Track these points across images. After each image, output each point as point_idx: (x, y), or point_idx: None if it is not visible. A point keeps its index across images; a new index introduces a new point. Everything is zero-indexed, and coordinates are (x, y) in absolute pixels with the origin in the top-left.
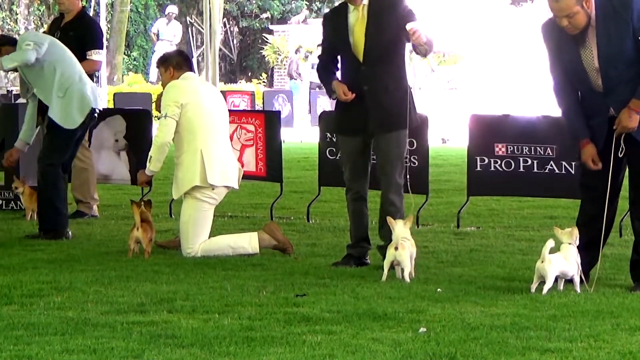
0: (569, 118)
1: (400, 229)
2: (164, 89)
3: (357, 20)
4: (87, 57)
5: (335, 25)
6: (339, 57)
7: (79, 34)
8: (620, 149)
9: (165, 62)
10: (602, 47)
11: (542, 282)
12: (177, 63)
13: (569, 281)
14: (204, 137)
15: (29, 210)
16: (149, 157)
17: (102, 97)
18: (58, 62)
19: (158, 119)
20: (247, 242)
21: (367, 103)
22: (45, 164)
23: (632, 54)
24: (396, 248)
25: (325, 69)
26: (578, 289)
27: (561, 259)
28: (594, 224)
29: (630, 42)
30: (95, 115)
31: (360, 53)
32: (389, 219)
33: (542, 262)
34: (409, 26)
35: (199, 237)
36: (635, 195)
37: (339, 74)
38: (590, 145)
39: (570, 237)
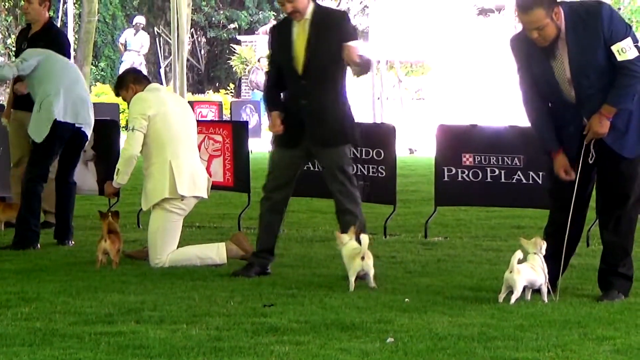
0: (539, 130)
1: (366, 239)
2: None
3: (299, 34)
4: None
5: (279, 38)
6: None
7: (46, 45)
8: (591, 155)
9: (122, 84)
10: (573, 58)
11: (510, 292)
12: (134, 79)
13: (536, 291)
14: (172, 148)
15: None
16: (116, 170)
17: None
18: (44, 77)
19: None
20: (215, 252)
21: (304, 118)
22: (25, 179)
23: (604, 64)
24: (363, 258)
25: (271, 91)
26: (545, 298)
27: (529, 269)
28: (563, 233)
29: (601, 52)
30: (80, 130)
31: (300, 67)
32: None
33: (511, 272)
34: (345, 45)
35: (168, 248)
36: (604, 203)
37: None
38: (562, 155)
39: (535, 247)
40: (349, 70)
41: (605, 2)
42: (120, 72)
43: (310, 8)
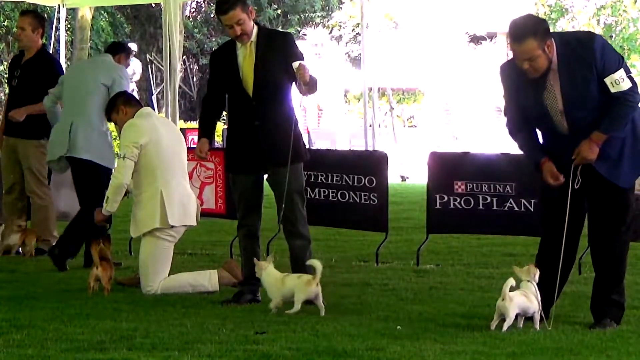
0: (526, 145)
1: (319, 265)
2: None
3: (245, 57)
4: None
5: (224, 62)
6: (225, 95)
7: (40, 71)
8: (577, 181)
9: (112, 106)
10: (566, 90)
11: (502, 320)
12: (124, 101)
13: (529, 319)
14: (163, 176)
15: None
16: (105, 197)
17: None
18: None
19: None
20: (207, 279)
21: (260, 138)
22: None
23: (597, 96)
24: (317, 284)
25: (207, 117)
26: (537, 326)
27: (521, 297)
28: (555, 261)
29: (594, 85)
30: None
31: (250, 88)
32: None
33: (503, 299)
34: (295, 64)
35: (159, 275)
36: (596, 232)
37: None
38: (549, 162)
39: (529, 275)
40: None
41: (597, 34)
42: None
43: (255, 31)
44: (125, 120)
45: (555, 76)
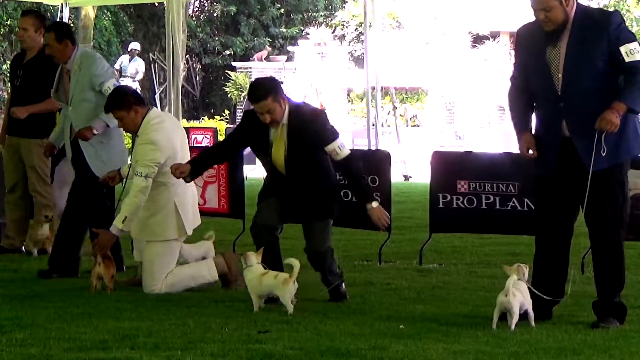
0: (517, 110)
1: (297, 264)
2: (129, 130)
3: (276, 137)
4: (52, 95)
5: (256, 131)
6: (238, 152)
7: (43, 71)
8: (603, 149)
9: (123, 104)
10: (571, 50)
11: (503, 317)
12: (135, 100)
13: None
14: (176, 186)
15: None
16: (121, 214)
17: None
18: None
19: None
20: (206, 270)
21: (291, 195)
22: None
23: (600, 68)
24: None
25: (212, 154)
26: (533, 323)
27: (520, 294)
28: (552, 260)
29: (601, 54)
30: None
31: (281, 168)
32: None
33: (506, 295)
34: (370, 207)
35: (164, 274)
36: (594, 228)
37: None
38: (531, 134)
39: (519, 273)
40: None
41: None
42: None
43: (286, 113)
44: (135, 120)
45: (566, 35)
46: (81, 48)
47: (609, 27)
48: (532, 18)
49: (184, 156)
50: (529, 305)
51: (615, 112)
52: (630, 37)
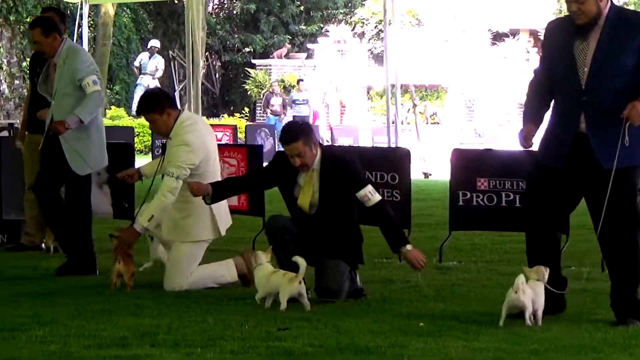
0: (532, 101)
1: (303, 264)
2: (160, 132)
3: (306, 182)
4: (38, 88)
5: (285, 174)
6: (259, 185)
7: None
8: (626, 140)
9: (157, 106)
10: (601, 45)
11: (512, 314)
12: (168, 103)
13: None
14: None
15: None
16: (147, 212)
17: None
18: None
19: (166, 173)
20: (226, 270)
21: (315, 236)
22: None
23: (627, 65)
24: (300, 281)
25: (235, 182)
26: (540, 323)
27: (531, 290)
28: (545, 251)
29: (631, 54)
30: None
31: (307, 211)
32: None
33: (516, 292)
34: (360, 194)
35: (188, 273)
36: (605, 225)
37: None
38: (533, 126)
39: (538, 274)
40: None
41: None
42: (137, 94)
43: (318, 157)
44: (167, 123)
45: (597, 31)
46: (68, 41)
47: None
48: (552, 17)
49: (217, 158)
50: (540, 305)
51: (638, 104)
52: None
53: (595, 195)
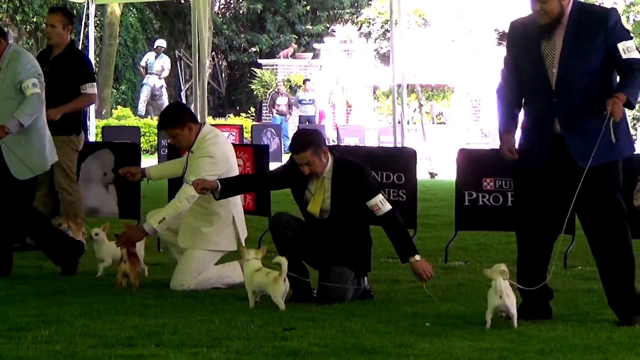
0: (504, 108)
1: (285, 263)
2: (182, 147)
3: (317, 190)
4: (82, 91)
5: (297, 182)
6: (270, 184)
7: (70, 68)
8: (614, 137)
9: (179, 121)
10: (567, 44)
11: (499, 317)
12: (190, 118)
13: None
14: (234, 199)
15: None
16: (159, 216)
17: (90, 131)
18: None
19: (186, 181)
20: (233, 271)
21: (326, 239)
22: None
23: (595, 62)
24: (284, 280)
25: (246, 180)
26: (515, 323)
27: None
28: (535, 256)
29: (597, 51)
30: None
31: (317, 216)
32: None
33: (501, 297)
34: (370, 203)
35: (197, 275)
36: (590, 224)
37: None
38: (510, 136)
39: (503, 274)
40: None
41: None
42: (143, 94)
43: (329, 165)
44: (189, 138)
45: (561, 30)
46: (12, 45)
47: (606, 23)
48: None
49: (237, 170)
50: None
51: (618, 100)
52: (627, 35)
53: (577, 195)
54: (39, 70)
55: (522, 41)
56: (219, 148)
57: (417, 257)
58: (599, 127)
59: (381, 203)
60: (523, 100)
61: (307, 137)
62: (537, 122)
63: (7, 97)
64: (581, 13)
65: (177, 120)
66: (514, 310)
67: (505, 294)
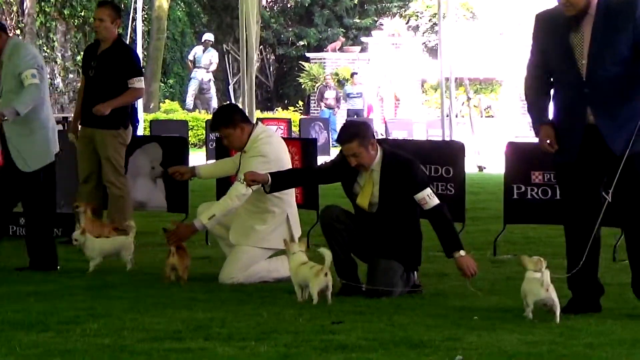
0: (535, 102)
1: (329, 256)
2: (234, 147)
3: (365, 183)
4: (130, 86)
5: (346, 176)
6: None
7: (118, 62)
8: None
9: (229, 121)
10: (596, 34)
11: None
12: (242, 118)
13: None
14: (289, 198)
15: None
16: (209, 213)
17: (138, 125)
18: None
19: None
20: (281, 265)
21: (372, 238)
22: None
23: (625, 52)
24: (326, 274)
25: (298, 173)
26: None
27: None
28: (585, 249)
29: (626, 40)
30: None
31: (366, 209)
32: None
33: (547, 290)
34: (418, 197)
35: (247, 268)
36: (627, 212)
37: None
38: (551, 128)
39: (537, 266)
40: None
41: None
42: (191, 88)
43: (378, 158)
44: (241, 138)
45: (589, 20)
46: (13, 38)
47: (635, 13)
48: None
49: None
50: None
51: None
52: None
53: (612, 183)
54: (39, 62)
55: (549, 33)
56: (271, 147)
57: (462, 252)
58: (631, 114)
59: (428, 197)
60: (553, 91)
61: (354, 129)
62: (569, 113)
63: (9, 90)
64: (609, 3)
65: (228, 121)
66: (557, 303)
67: (551, 286)
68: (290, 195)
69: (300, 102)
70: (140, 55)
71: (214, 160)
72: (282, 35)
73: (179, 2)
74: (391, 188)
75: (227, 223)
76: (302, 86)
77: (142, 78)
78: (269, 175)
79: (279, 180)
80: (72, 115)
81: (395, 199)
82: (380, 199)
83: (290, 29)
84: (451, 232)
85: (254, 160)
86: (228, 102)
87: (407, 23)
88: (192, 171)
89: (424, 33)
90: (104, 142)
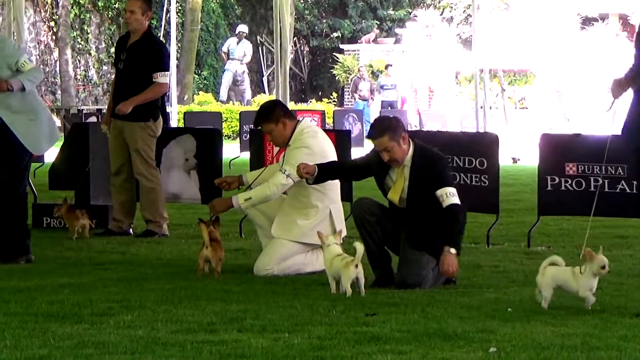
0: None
1: (361, 248)
2: (278, 143)
3: (397, 178)
4: (154, 80)
5: (379, 167)
6: (355, 172)
7: (145, 55)
8: None
9: (272, 117)
10: None
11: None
12: (285, 113)
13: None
14: (331, 194)
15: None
16: (247, 194)
17: (172, 116)
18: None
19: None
20: (316, 258)
21: (406, 234)
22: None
23: None
24: (357, 265)
25: (340, 166)
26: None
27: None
28: None
29: None
30: None
31: (397, 204)
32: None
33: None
34: (438, 192)
35: (283, 260)
36: None
37: None
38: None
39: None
40: None
41: None
42: (225, 80)
43: (410, 153)
44: (284, 133)
45: None
46: None
47: None
48: None
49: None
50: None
51: None
52: None
53: None
54: (25, 49)
55: None
56: (317, 141)
57: (453, 250)
58: None
59: (447, 195)
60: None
61: (385, 123)
62: None
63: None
64: None
65: (270, 116)
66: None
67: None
68: (334, 192)
69: (334, 94)
70: (174, 48)
71: (263, 168)
72: (316, 27)
73: None
74: (420, 183)
75: (271, 213)
76: (336, 78)
77: (167, 73)
78: (316, 167)
79: (323, 173)
80: (106, 107)
81: (424, 194)
82: (409, 194)
83: (324, 21)
84: (455, 229)
85: (298, 151)
86: (267, 95)
87: (441, 14)
88: (240, 179)
89: (458, 24)
90: (133, 135)
